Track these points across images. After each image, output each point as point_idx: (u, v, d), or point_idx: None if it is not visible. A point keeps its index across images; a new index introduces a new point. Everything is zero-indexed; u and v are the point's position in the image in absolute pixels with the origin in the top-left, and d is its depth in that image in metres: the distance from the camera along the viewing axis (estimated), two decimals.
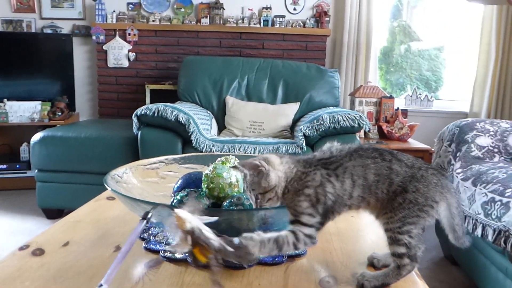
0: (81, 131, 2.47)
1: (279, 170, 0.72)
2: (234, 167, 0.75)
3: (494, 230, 1.42)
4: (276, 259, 0.78)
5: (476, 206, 1.58)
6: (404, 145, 2.64)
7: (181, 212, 0.66)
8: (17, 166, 3.02)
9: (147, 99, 3.29)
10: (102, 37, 3.43)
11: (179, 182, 0.95)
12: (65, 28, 3.52)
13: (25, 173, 3.02)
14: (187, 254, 0.75)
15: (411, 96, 3.52)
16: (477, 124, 2.01)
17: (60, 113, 3.07)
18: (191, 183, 0.93)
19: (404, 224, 0.68)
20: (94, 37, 3.42)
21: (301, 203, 0.69)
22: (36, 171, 2.48)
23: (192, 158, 1.11)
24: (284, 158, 0.74)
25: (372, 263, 0.79)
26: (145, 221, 0.69)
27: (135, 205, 0.78)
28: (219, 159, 0.90)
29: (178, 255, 0.78)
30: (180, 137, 2.31)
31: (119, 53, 3.45)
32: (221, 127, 2.84)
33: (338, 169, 0.71)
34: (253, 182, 0.71)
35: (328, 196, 0.69)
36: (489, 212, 1.48)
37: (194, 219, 0.66)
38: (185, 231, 0.65)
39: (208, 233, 0.66)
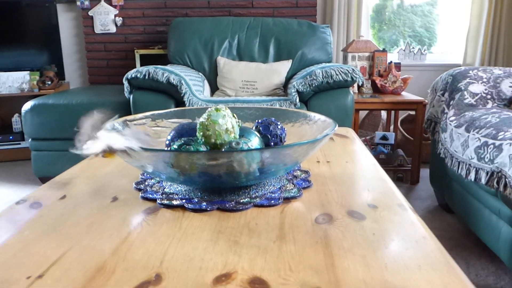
0: (73, 98, 2.45)
1: None
2: None
3: (487, 173, 1.44)
4: (272, 201, 0.79)
5: (469, 152, 1.59)
6: (397, 98, 2.63)
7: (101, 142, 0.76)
8: (10, 137, 3.00)
9: (137, 65, 3.24)
10: (86, 3, 3.34)
11: (171, 134, 0.94)
12: None
13: (19, 143, 3.01)
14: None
15: (404, 50, 3.48)
16: (470, 72, 2.00)
17: (49, 82, 3.03)
18: (184, 133, 0.93)
19: None
20: (78, 3, 3.33)
21: None
22: (30, 140, 2.47)
23: (178, 112, 1.10)
24: None
25: None
26: None
27: (135, 155, 0.77)
28: (210, 108, 0.89)
29: (175, 202, 0.78)
30: (173, 99, 2.29)
31: (106, 18, 3.37)
32: (214, 89, 2.82)
33: None
34: None
35: None
36: (482, 156, 1.50)
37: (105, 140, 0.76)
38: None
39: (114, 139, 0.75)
